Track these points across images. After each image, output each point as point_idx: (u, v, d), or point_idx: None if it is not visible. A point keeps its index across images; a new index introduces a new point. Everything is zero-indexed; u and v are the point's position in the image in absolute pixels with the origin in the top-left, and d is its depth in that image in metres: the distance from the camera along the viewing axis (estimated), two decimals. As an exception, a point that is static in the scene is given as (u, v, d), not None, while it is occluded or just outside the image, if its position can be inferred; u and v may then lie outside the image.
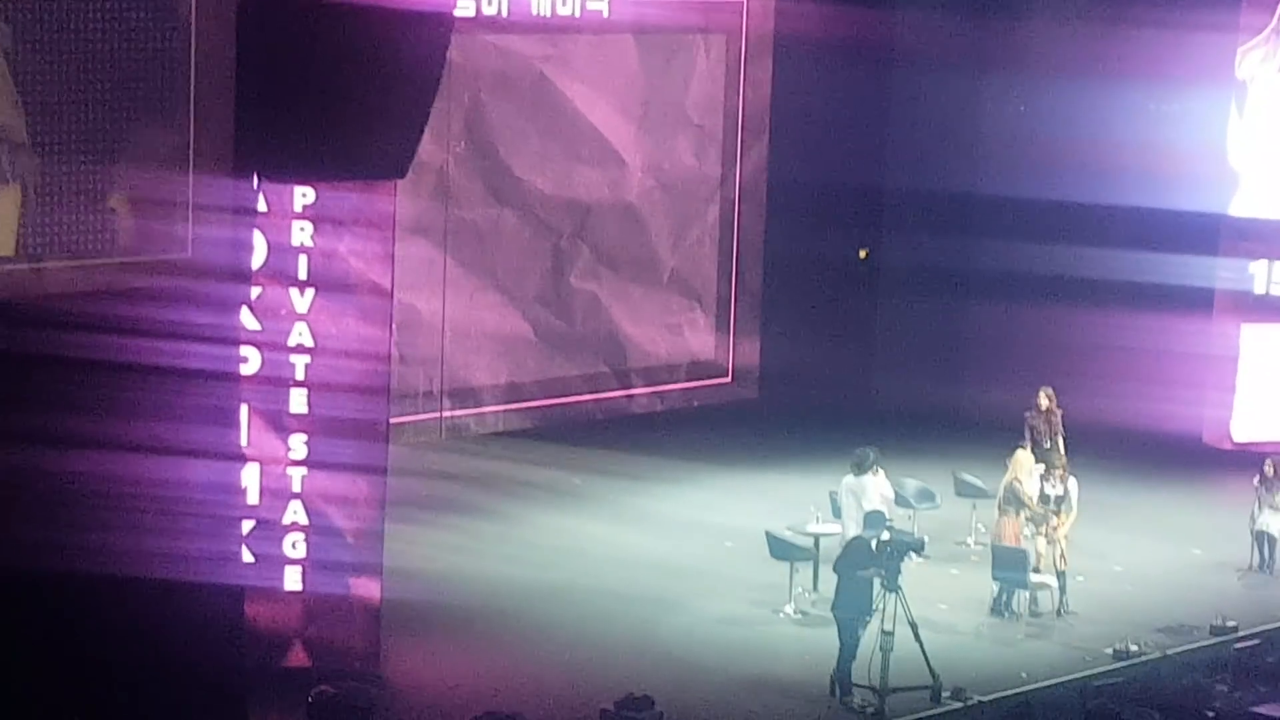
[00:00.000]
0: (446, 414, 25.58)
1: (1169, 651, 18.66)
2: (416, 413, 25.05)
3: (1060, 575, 19.81)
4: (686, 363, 27.58)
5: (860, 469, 19.41)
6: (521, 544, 21.32)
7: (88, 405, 13.65)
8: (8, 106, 13.33)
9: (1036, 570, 19.63)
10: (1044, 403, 22.12)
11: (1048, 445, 21.84)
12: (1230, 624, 19.18)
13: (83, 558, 13.73)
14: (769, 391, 27.64)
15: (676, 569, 20.62)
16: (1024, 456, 20.28)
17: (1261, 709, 17.34)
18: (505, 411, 26.13)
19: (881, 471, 19.65)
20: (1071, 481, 20.29)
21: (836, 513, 19.84)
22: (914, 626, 17.28)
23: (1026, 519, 19.87)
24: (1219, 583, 20.92)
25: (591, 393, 26.85)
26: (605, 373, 26.94)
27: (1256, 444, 25.27)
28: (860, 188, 27.70)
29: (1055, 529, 20.02)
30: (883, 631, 17.11)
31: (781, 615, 19.30)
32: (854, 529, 19.21)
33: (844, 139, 27.30)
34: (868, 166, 27.59)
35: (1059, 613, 19.49)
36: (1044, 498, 20.13)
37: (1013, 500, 19.81)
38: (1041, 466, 20.72)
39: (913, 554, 18.33)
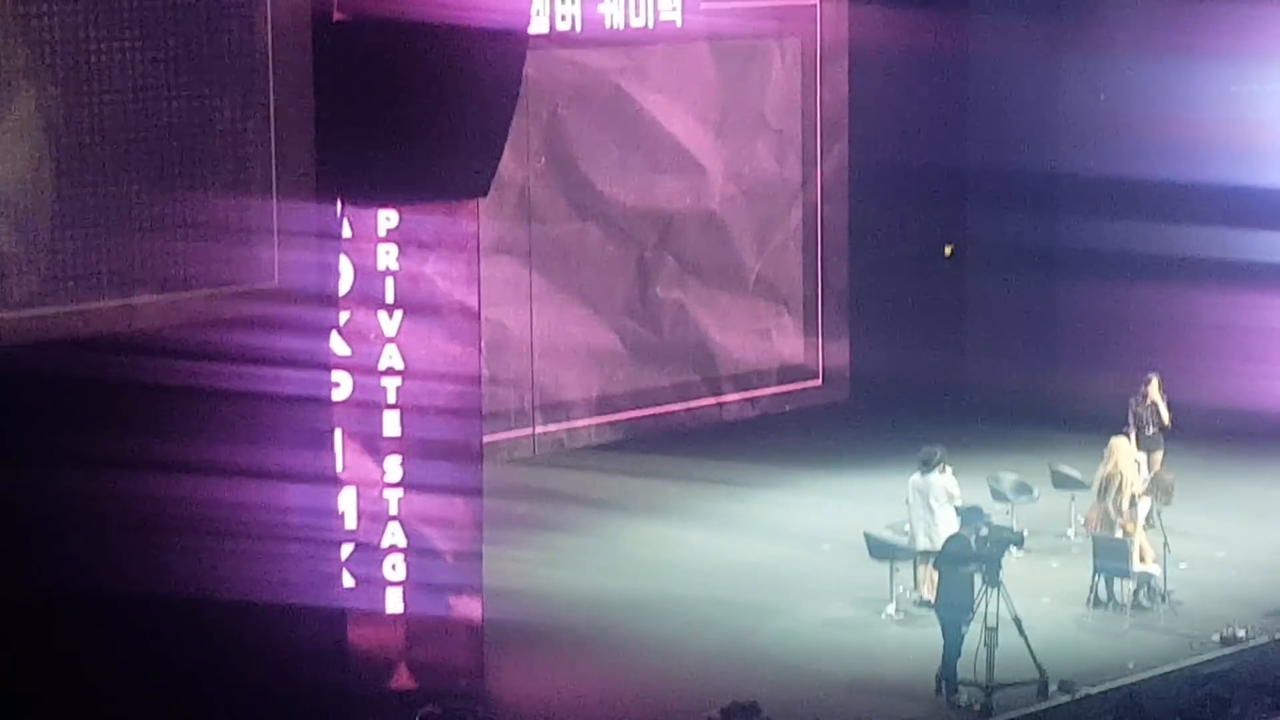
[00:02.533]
0: (539, 430, 25.60)
1: (1277, 635, 18.41)
2: (509, 430, 25.09)
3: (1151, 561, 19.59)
4: (776, 367, 27.51)
5: (928, 467, 19.27)
6: (619, 556, 21.31)
7: (185, 432, 13.76)
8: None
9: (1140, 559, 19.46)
10: (1152, 390, 21.87)
11: (1150, 432, 21.62)
12: (1339, 605, 18.94)
13: (184, 583, 13.83)
14: (860, 391, 27.53)
15: (775, 574, 20.56)
16: (1122, 444, 20.06)
17: (1374, 690, 17.12)
18: (597, 424, 26.14)
19: (949, 469, 19.47)
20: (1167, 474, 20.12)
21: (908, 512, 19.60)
22: (1017, 621, 17.16)
23: (1127, 506, 19.61)
24: (1327, 565, 20.68)
25: (682, 401, 26.82)
26: (695, 381, 26.91)
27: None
28: (943, 179, 27.52)
29: (1147, 516, 19.77)
30: (986, 627, 17.00)
31: (884, 616, 19.20)
32: (921, 527, 19.07)
33: (923, 133, 27.16)
34: (949, 157, 27.42)
35: (1163, 598, 19.26)
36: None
37: (1109, 489, 19.61)
38: (1143, 455, 20.55)
39: (1013, 548, 18.20)
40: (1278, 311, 25.24)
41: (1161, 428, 21.78)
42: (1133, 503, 19.53)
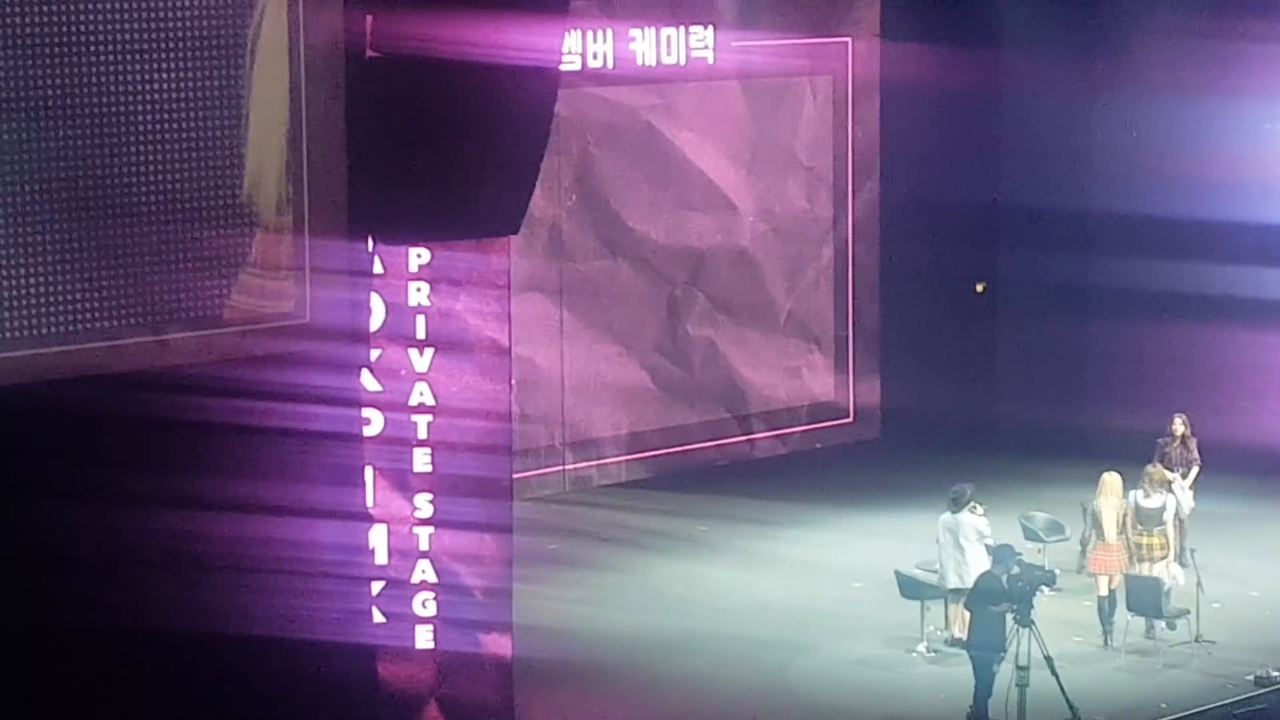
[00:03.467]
0: (569, 467, 25.62)
1: (1311, 677, 18.35)
2: (539, 467, 25.11)
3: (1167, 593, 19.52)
4: (807, 405, 27.50)
5: (958, 505, 19.23)
6: (649, 594, 21.30)
7: (216, 468, 13.79)
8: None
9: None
10: (1179, 429, 21.83)
11: (1180, 472, 21.56)
12: (1373, 646, 18.83)
13: (213, 619, 13.84)
14: (891, 429, 27.52)
15: (805, 612, 20.53)
16: (1109, 479, 19.99)
17: None
18: (627, 461, 26.16)
19: (980, 508, 19.42)
20: (1182, 495, 20.13)
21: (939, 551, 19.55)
22: (1049, 660, 17.10)
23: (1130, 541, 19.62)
24: (1361, 605, 20.58)
25: (712, 439, 26.84)
26: (726, 418, 26.92)
27: None
28: (975, 216, 27.55)
29: (1157, 547, 19.74)
30: (1018, 667, 16.94)
31: (914, 654, 19.16)
32: (951, 566, 19.03)
33: (955, 170, 27.18)
34: (981, 195, 27.43)
35: (1196, 639, 19.18)
36: (1141, 513, 19.78)
37: (1096, 524, 19.62)
38: (1172, 493, 20.56)
39: (1044, 588, 18.15)
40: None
41: (1190, 465, 21.71)
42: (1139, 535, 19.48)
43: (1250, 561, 21.78)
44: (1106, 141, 26.87)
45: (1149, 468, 20.35)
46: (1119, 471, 20.18)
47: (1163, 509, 19.90)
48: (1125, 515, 19.72)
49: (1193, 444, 21.80)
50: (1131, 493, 20.01)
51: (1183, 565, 20.23)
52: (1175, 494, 20.47)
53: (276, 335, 14.25)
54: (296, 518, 14.13)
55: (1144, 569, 19.80)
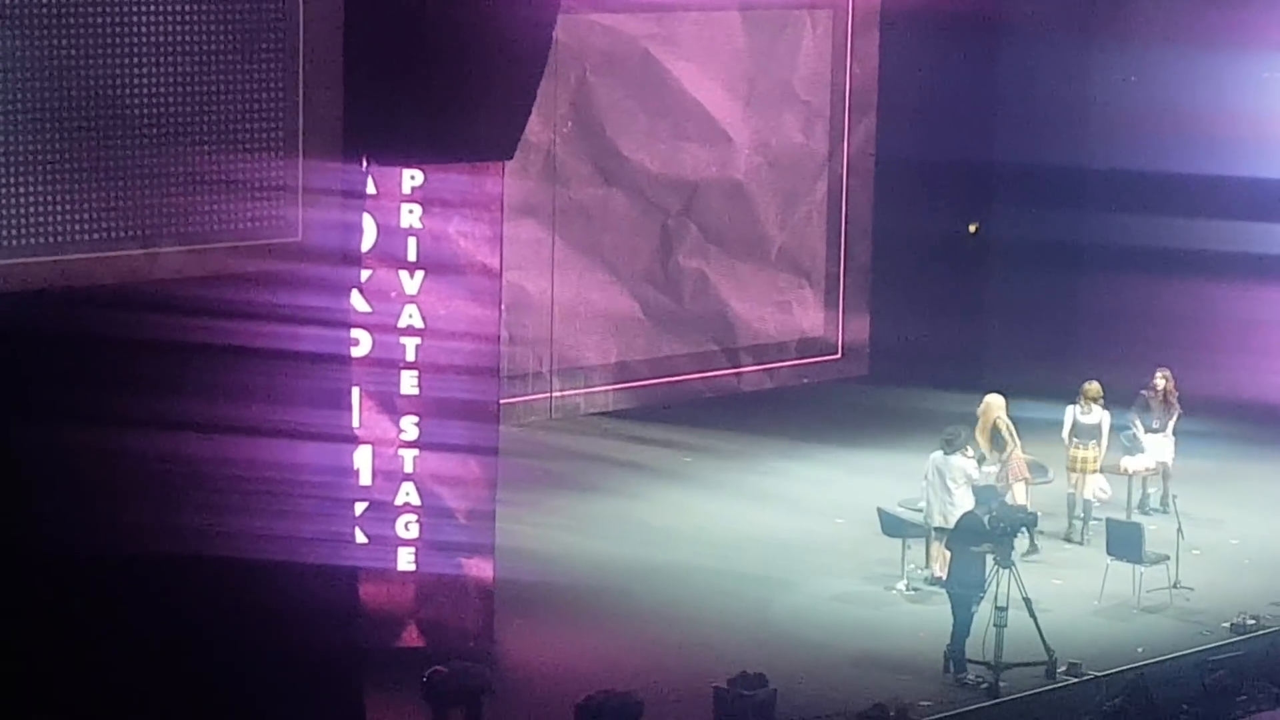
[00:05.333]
0: (556, 394, 25.60)
1: (1287, 625, 18.40)
2: (526, 393, 25.08)
3: (1086, 507, 20.51)
4: (796, 340, 27.47)
5: (951, 447, 19.23)
6: (632, 523, 21.31)
7: (200, 389, 13.74)
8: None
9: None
10: (1160, 383, 21.89)
11: (1156, 426, 21.63)
12: (1352, 598, 18.91)
13: (196, 541, 13.83)
14: (879, 367, 27.50)
15: (788, 547, 20.55)
16: (992, 400, 20.39)
17: (1384, 683, 17.10)
18: (615, 391, 26.13)
19: (971, 451, 19.47)
20: (1105, 414, 20.72)
21: (925, 488, 19.57)
22: (1028, 602, 17.14)
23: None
24: (1339, 556, 20.64)
25: (700, 371, 26.79)
26: (714, 351, 26.88)
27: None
28: (969, 161, 27.45)
29: (1086, 463, 20.52)
30: (996, 607, 16.98)
31: (894, 592, 19.20)
32: (937, 505, 19.04)
33: (952, 112, 27.06)
34: (977, 139, 27.34)
35: (1175, 585, 19.22)
36: (1078, 427, 20.61)
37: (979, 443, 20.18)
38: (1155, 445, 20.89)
39: (1026, 530, 18.19)
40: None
41: (1171, 418, 21.78)
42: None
43: (1231, 511, 21.82)
44: (1103, 89, 26.77)
45: (1085, 385, 20.94)
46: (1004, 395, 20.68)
47: (1099, 424, 20.67)
48: (1007, 430, 20.26)
49: (1174, 398, 21.83)
50: (1069, 408, 20.76)
51: (1148, 513, 20.88)
52: (1108, 413, 21.03)
53: (267, 254, 14.19)
54: (282, 439, 14.10)
55: (1079, 480, 20.68)
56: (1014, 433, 20.42)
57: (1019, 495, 20.17)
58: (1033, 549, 19.79)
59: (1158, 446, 21.57)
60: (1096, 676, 17.12)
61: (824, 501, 22.01)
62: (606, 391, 26.04)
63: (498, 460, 17.13)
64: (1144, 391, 21.87)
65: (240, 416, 13.94)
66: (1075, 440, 20.83)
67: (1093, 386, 21.02)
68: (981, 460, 19.80)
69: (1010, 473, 20.33)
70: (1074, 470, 20.91)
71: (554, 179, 25.24)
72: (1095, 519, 20.65)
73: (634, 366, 26.16)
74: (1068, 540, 20.65)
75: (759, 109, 26.73)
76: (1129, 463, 21.51)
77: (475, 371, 16.92)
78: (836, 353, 27.74)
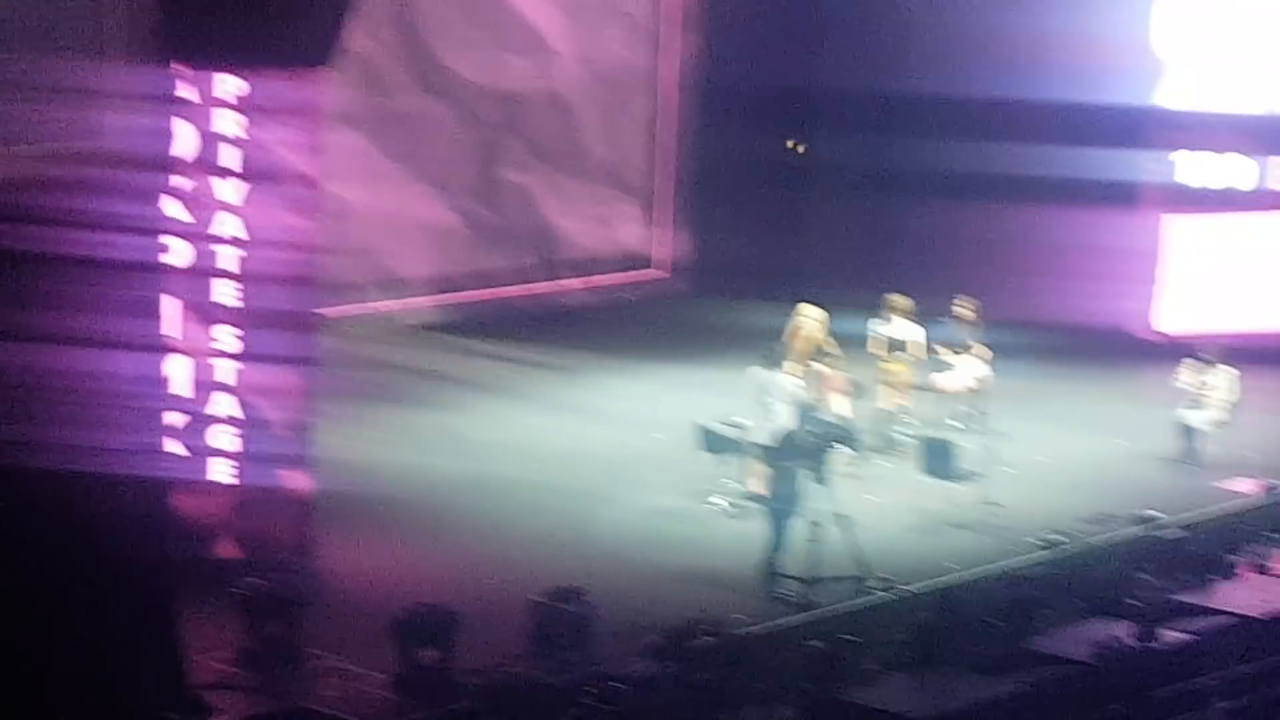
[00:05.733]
0: (375, 305, 25.43)
1: (1093, 541, 18.74)
2: (346, 304, 24.86)
3: (896, 419, 21.03)
4: (618, 255, 27.51)
5: (772, 363, 19.35)
6: (452, 436, 21.26)
7: (8, 296, 13.47)
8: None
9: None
10: (965, 312, 22.18)
11: (963, 347, 21.93)
12: (1154, 514, 19.29)
13: (7, 451, 13.58)
14: (701, 284, 27.62)
15: (608, 462, 20.60)
16: (811, 313, 20.54)
17: (1184, 596, 17.48)
18: (436, 304, 26.01)
19: (791, 367, 19.59)
20: (915, 328, 21.16)
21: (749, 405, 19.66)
22: (842, 518, 17.30)
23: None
24: (1144, 473, 21.06)
25: (522, 285, 26.76)
26: (536, 265, 26.85)
27: (1179, 335, 25.41)
28: (793, 81, 27.56)
29: (894, 375, 21.08)
30: (811, 523, 17.13)
31: (711, 507, 19.30)
32: (755, 421, 19.09)
33: (776, 32, 27.13)
34: (800, 60, 27.42)
35: (985, 502, 19.49)
36: (885, 342, 21.14)
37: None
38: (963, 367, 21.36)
39: (841, 445, 18.35)
40: (1106, 228, 25.59)
41: (977, 339, 22.10)
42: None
43: (1041, 429, 22.20)
44: (925, 16, 26.95)
45: (892, 298, 21.36)
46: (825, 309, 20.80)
47: (907, 338, 21.20)
48: (828, 345, 20.49)
49: (979, 326, 22.12)
50: (878, 322, 21.28)
51: (961, 430, 21.05)
52: (921, 327, 21.47)
53: (80, 160, 13.93)
54: (95, 349, 13.88)
55: (888, 394, 21.13)
56: (834, 348, 20.61)
57: (837, 411, 20.37)
58: (853, 464, 19.98)
59: (968, 365, 21.87)
60: (907, 591, 17.34)
61: (644, 416, 22.07)
62: (427, 304, 25.91)
63: (317, 372, 16.98)
64: (949, 319, 22.14)
65: (52, 325, 13.69)
66: (885, 354, 21.21)
67: (900, 300, 21.36)
68: (803, 375, 19.95)
69: (829, 388, 20.53)
70: (884, 384, 21.19)
71: (374, 89, 24.96)
72: (907, 434, 20.92)
73: (455, 279, 26.04)
74: (880, 455, 20.89)
75: (582, 21, 26.60)
76: (940, 381, 21.81)
77: (294, 282, 16.75)
78: (658, 269, 27.82)
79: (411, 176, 25.49)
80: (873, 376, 21.30)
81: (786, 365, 19.51)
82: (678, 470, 20.12)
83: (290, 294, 16.71)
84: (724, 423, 19.87)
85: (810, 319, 20.55)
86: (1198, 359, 21.44)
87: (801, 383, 19.74)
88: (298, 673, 15.08)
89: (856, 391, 21.17)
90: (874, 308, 21.84)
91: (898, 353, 21.23)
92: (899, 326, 21.28)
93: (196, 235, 16.47)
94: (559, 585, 16.01)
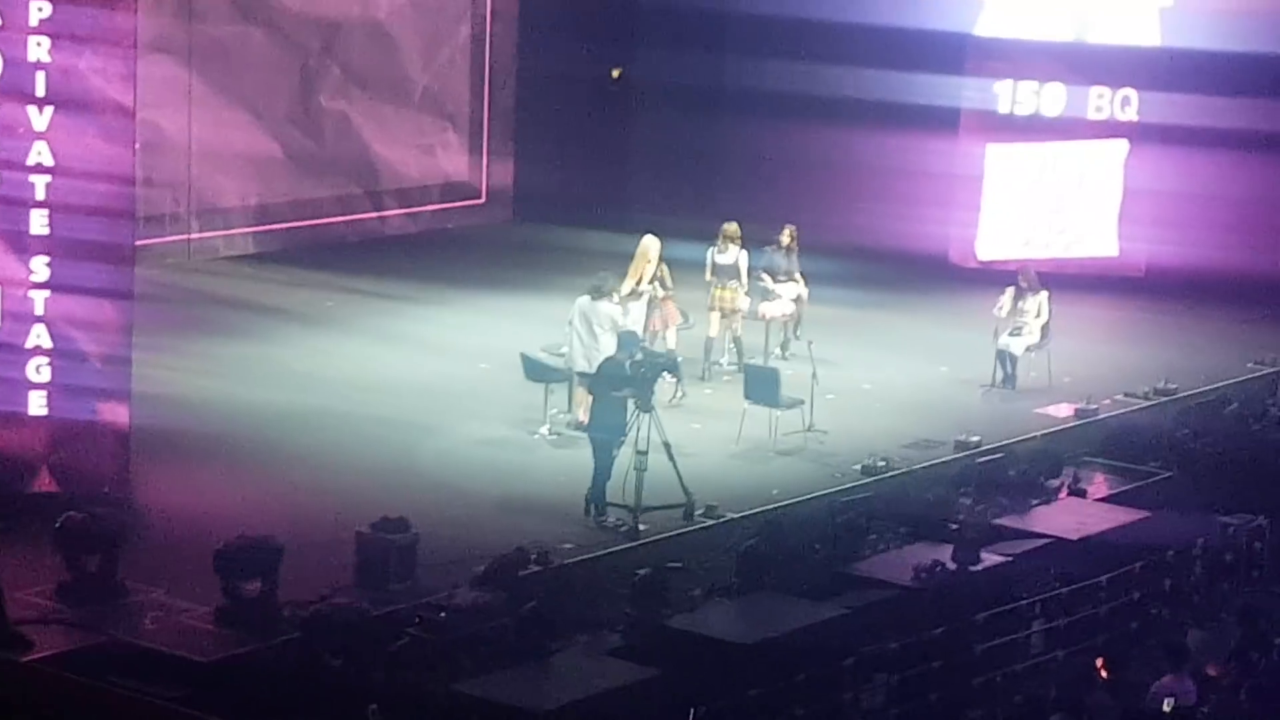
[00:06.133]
0: (194, 236, 25.11)
1: (915, 467, 18.96)
2: (163, 235, 24.54)
3: (738, 343, 21.21)
4: (440, 183, 27.37)
5: (599, 294, 19.31)
6: (274, 368, 21.04)
7: None
8: None
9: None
10: (785, 239, 22.31)
11: (784, 275, 22.07)
12: (974, 439, 19.55)
13: None
14: (524, 212, 27.54)
15: (432, 392, 20.50)
16: (649, 241, 20.61)
17: (1003, 520, 17.75)
18: (255, 233, 25.73)
19: (617, 297, 19.60)
20: (743, 253, 21.28)
21: (569, 333, 19.61)
22: (668, 446, 17.36)
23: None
24: (964, 399, 21.33)
25: (343, 214, 26.54)
26: (357, 194, 26.65)
27: (999, 262, 25.74)
28: (613, 4, 27.48)
29: (725, 301, 21.18)
30: (637, 452, 17.16)
31: (536, 436, 19.29)
32: (581, 350, 19.11)
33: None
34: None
35: (809, 429, 19.63)
36: (717, 268, 21.26)
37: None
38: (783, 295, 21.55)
39: (666, 374, 18.38)
40: (927, 154, 25.83)
41: (795, 266, 22.26)
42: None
43: (863, 355, 22.40)
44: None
45: (724, 225, 21.43)
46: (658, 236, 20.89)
47: (737, 264, 21.26)
48: (661, 273, 20.58)
49: (794, 255, 22.25)
50: (709, 249, 21.34)
51: (785, 358, 21.39)
52: (746, 252, 21.53)
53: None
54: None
55: (718, 321, 21.30)
56: (668, 276, 20.65)
57: (670, 340, 20.43)
58: (679, 393, 20.05)
59: (790, 293, 22.05)
60: (732, 518, 17.45)
61: (468, 346, 21.99)
62: (246, 234, 25.62)
63: (133, 304, 16.73)
64: (768, 246, 22.23)
65: None
66: (715, 280, 21.30)
67: (731, 227, 21.45)
68: (629, 302, 19.97)
69: (662, 318, 20.58)
70: (714, 309, 21.29)
71: (189, 14, 24.55)
72: (733, 363, 21.04)
73: (275, 209, 25.75)
74: (706, 383, 20.98)
75: (403, -53, 26.35)
76: (766, 309, 21.94)
77: (109, 212, 16.47)
78: (481, 197, 27.72)
79: (230, 104, 25.12)
80: (700, 304, 21.35)
81: (613, 293, 19.49)
82: (503, 400, 20.08)
83: (105, 224, 16.44)
84: (550, 352, 19.84)
85: (651, 246, 20.57)
86: (1016, 287, 21.70)
87: (627, 311, 19.75)
88: (119, 607, 14.88)
89: (684, 319, 21.23)
90: (698, 234, 21.89)
91: (728, 280, 21.26)
92: (728, 253, 21.30)
93: (8, 164, 16.16)
94: (383, 515, 15.92)
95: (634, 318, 19.96)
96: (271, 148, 25.62)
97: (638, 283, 20.39)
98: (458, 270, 25.21)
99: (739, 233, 21.43)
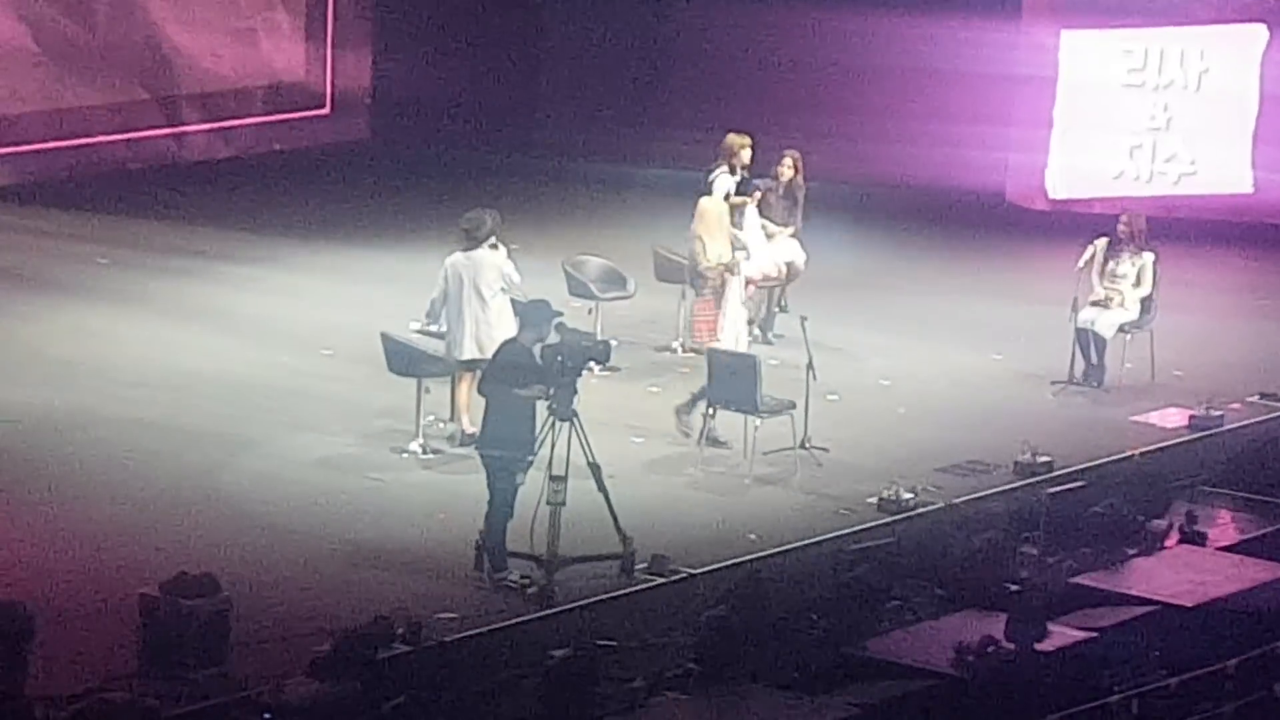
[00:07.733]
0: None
1: (955, 500, 19.02)
2: None
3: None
4: (264, 86, 27.50)
5: (475, 241, 19.32)
6: (22, 355, 21.15)
7: None
8: None
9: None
10: (786, 171, 22.31)
11: (785, 224, 22.12)
12: (1042, 460, 19.62)
13: None
14: (386, 128, 27.70)
15: (250, 389, 20.56)
16: (707, 205, 20.80)
17: (1084, 579, 17.75)
18: (-3, 159, 25.79)
19: (503, 247, 19.59)
20: (788, 250, 21.80)
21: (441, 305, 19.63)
22: (595, 469, 17.34)
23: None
24: (1028, 402, 21.42)
25: (124, 132, 26.77)
26: (144, 101, 26.85)
27: (1078, 202, 25.89)
28: None
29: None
30: (551, 477, 17.13)
31: (404, 456, 19.32)
32: (465, 329, 19.18)
33: None
34: None
35: (802, 445, 19.67)
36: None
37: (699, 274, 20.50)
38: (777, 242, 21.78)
39: (594, 364, 18.32)
40: (978, 46, 26.20)
41: (794, 218, 22.35)
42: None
43: (879, 339, 22.48)
44: None
45: (703, 201, 21.28)
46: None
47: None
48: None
49: (802, 191, 22.30)
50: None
51: (769, 341, 21.77)
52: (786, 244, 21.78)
53: None
54: None
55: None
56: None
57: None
58: (610, 388, 20.09)
59: (784, 251, 22.04)
60: (691, 574, 17.45)
61: (305, 323, 22.11)
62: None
63: None
64: (759, 182, 22.22)
65: None
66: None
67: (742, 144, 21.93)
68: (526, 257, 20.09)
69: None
70: None
71: None
72: (690, 346, 21.12)
73: (24, 123, 25.86)
74: (650, 377, 21.04)
75: None
76: (744, 270, 21.87)
77: None
78: (324, 106, 27.86)
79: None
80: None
81: (499, 242, 19.46)
82: (354, 402, 20.18)
83: None
84: (419, 330, 19.83)
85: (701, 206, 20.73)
86: (1111, 238, 21.71)
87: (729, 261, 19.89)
88: None
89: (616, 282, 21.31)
90: (641, 157, 21.99)
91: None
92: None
93: None
94: (180, 572, 15.85)
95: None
96: (17, 33, 25.67)
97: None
98: (290, 212, 25.39)
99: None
